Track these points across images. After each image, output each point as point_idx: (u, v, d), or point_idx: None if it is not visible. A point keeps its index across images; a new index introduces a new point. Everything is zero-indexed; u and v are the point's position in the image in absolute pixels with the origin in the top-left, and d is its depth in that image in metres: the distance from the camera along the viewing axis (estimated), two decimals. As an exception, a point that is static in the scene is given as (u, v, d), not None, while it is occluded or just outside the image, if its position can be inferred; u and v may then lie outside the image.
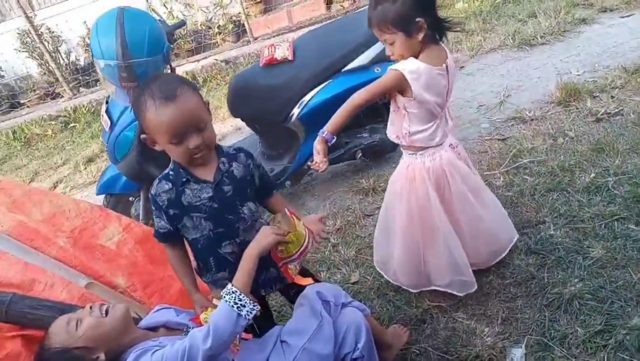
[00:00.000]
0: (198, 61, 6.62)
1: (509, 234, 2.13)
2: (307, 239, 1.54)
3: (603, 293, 1.93)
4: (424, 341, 1.99)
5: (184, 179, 1.48)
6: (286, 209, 1.59)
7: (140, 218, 2.98)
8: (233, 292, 1.35)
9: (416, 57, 1.64)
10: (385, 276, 2.22)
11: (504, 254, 2.12)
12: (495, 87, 3.91)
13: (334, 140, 1.68)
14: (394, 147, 3.26)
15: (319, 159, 1.63)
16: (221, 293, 1.36)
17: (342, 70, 2.84)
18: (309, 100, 2.85)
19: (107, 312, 1.39)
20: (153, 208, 1.53)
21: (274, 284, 1.69)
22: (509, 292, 2.08)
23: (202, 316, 1.45)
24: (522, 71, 4.04)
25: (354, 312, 1.59)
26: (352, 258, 2.58)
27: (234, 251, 1.55)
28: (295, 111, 2.89)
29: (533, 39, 4.43)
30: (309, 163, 1.69)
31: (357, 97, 1.69)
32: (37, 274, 1.58)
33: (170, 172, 1.51)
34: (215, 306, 1.42)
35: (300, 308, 1.58)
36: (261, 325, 1.63)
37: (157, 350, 1.28)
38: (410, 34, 1.58)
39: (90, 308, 1.40)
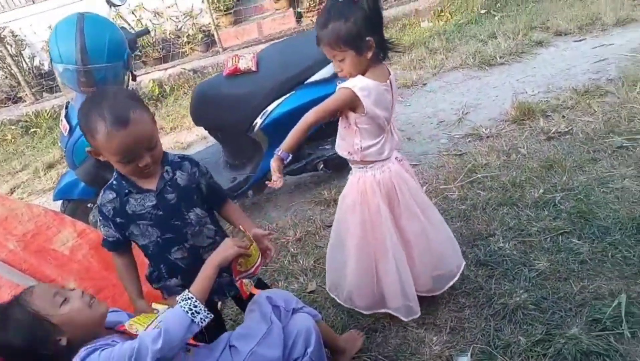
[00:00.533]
0: (166, 69, 6.58)
1: (456, 261, 2.13)
2: (259, 255, 1.57)
3: (545, 304, 2.02)
4: (375, 350, 2.04)
5: (127, 190, 1.50)
6: (240, 226, 1.62)
7: (98, 224, 2.94)
8: (189, 298, 1.36)
9: (363, 74, 1.71)
10: (338, 300, 2.20)
11: (452, 282, 2.12)
12: (455, 105, 4.04)
13: (290, 158, 1.71)
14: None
15: (275, 177, 1.67)
16: (177, 298, 1.37)
17: (305, 82, 2.90)
18: (272, 110, 2.89)
19: (91, 305, 1.38)
20: (100, 217, 1.56)
21: (228, 291, 1.71)
22: (458, 302, 2.15)
23: (126, 324, 1.41)
24: (481, 90, 4.19)
25: (304, 317, 1.62)
26: (310, 268, 2.61)
27: (184, 256, 1.57)
28: (258, 121, 2.92)
29: (492, 59, 4.60)
30: (266, 182, 1.72)
31: (310, 117, 1.72)
32: (-17, 277, 1.56)
33: (114, 182, 1.53)
34: (152, 311, 1.43)
35: (251, 313, 1.61)
36: (212, 333, 1.64)
37: (107, 348, 1.28)
38: (360, 52, 1.65)
39: (82, 293, 1.39)
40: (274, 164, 1.68)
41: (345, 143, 1.87)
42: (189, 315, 1.33)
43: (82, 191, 2.92)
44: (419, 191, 2.00)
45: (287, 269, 2.66)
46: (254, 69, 2.90)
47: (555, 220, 2.44)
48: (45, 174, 4.87)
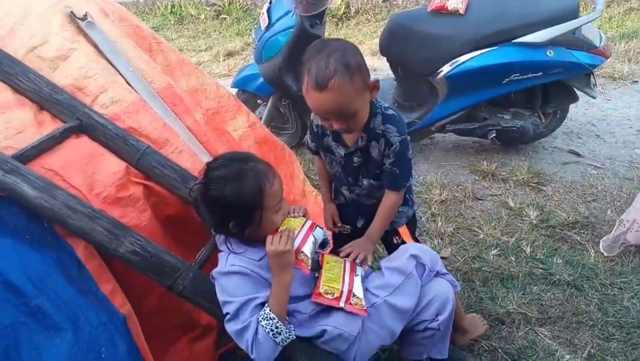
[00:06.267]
0: (357, -10, 6.48)
1: None
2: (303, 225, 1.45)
3: None
4: (497, 342, 1.90)
5: (327, 132, 1.58)
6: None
7: (262, 121, 3.06)
8: (270, 318, 1.27)
9: None
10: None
11: None
12: (667, 115, 3.46)
13: None
14: (534, 138, 3.05)
15: None
16: (258, 317, 1.28)
17: (512, 41, 2.62)
18: (465, 61, 2.68)
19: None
20: (309, 130, 1.67)
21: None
22: (607, 330, 1.90)
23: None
24: None
25: (445, 285, 1.54)
26: (449, 234, 2.49)
27: (346, 197, 1.74)
28: (445, 69, 2.73)
29: None
30: None
31: None
32: (171, 136, 1.67)
33: None
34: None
35: (389, 270, 1.54)
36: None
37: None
38: None
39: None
40: None
41: None
42: (270, 335, 1.26)
43: (259, 87, 3.02)
44: None
45: (423, 226, 2.56)
46: (461, 11, 2.68)
47: None
48: (224, 60, 5.18)
